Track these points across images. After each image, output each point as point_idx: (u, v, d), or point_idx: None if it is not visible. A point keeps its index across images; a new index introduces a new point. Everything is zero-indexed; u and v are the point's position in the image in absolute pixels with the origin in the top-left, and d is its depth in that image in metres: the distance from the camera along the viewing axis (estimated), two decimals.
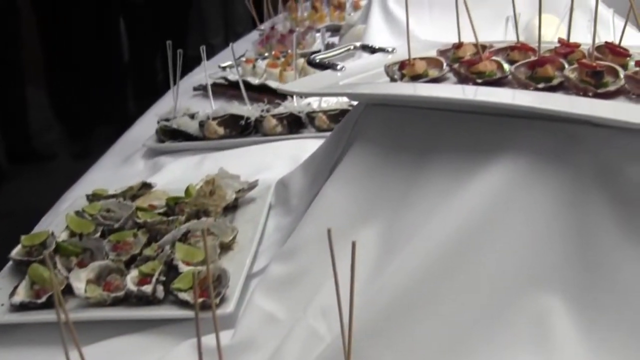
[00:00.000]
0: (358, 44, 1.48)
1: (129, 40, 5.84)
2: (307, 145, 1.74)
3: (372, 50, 1.37)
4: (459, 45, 1.26)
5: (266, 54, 2.64)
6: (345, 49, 1.42)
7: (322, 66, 1.26)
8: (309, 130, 1.85)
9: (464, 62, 1.16)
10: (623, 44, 1.15)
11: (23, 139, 5.41)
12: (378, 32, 2.57)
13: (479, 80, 1.12)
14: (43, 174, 5.31)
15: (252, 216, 1.39)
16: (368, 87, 1.16)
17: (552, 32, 2.46)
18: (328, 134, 1.76)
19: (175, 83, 2.05)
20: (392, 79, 1.18)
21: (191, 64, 6.09)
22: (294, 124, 1.86)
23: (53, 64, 5.77)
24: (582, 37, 1.43)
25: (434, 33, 2.51)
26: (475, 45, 1.22)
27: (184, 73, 2.21)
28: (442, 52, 1.27)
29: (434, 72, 1.19)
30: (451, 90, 1.11)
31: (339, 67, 1.24)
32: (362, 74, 1.23)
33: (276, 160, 1.72)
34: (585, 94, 1.03)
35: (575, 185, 0.93)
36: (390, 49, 1.34)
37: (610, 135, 0.92)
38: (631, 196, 0.90)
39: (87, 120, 5.62)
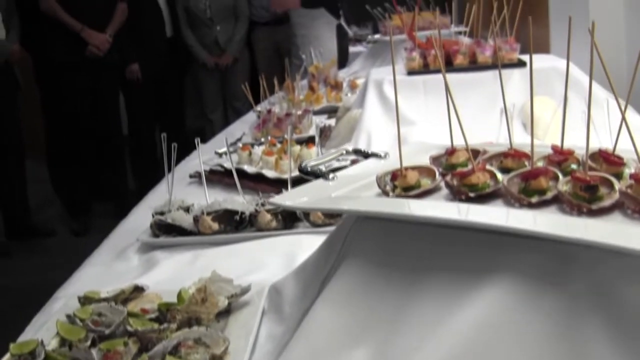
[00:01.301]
0: (350, 148, 1.48)
1: (129, 116, 5.88)
2: (302, 241, 1.73)
3: (365, 154, 1.36)
4: (451, 152, 1.25)
5: (262, 139, 2.64)
6: (338, 154, 1.41)
7: (314, 174, 1.25)
8: (304, 224, 1.84)
9: (456, 174, 1.15)
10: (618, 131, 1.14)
11: (22, 215, 5.41)
12: (374, 117, 2.59)
13: (472, 194, 1.11)
14: (41, 250, 5.31)
15: (245, 323, 1.37)
16: (359, 203, 1.15)
17: (548, 116, 2.46)
18: (323, 229, 1.76)
19: (170, 170, 2.05)
20: (384, 191, 1.17)
21: (190, 139, 6.12)
22: (289, 219, 1.84)
23: (53, 139, 5.80)
24: (579, 121, 1.42)
25: (428, 117, 2.54)
26: (467, 150, 1.21)
27: (182, 153, 2.20)
28: (434, 160, 1.27)
29: (426, 183, 1.18)
30: (443, 210, 1.10)
31: (330, 176, 1.23)
32: (354, 184, 1.22)
33: (271, 257, 1.71)
34: (579, 210, 1.02)
35: (569, 307, 0.91)
36: (382, 154, 1.33)
37: (605, 255, 0.90)
38: (627, 318, 0.89)
39: (86, 195, 5.63)
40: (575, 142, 1.50)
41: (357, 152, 1.39)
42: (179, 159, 2.15)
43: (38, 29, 5.27)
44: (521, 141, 2.10)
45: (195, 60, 5.95)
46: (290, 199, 1.22)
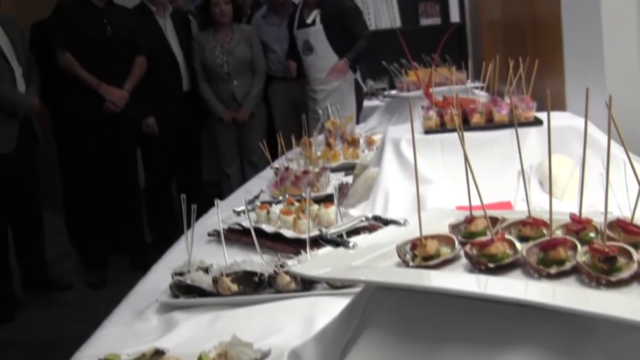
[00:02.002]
0: (370, 215, 1.50)
1: (145, 169, 5.91)
2: (320, 303, 1.75)
3: (384, 221, 1.37)
4: (470, 220, 1.27)
5: (280, 198, 2.66)
6: (357, 221, 1.43)
7: (335, 243, 1.26)
8: (322, 286, 1.85)
9: (475, 244, 1.16)
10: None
11: (39, 268, 5.44)
12: (391, 176, 2.61)
13: (491, 265, 1.12)
14: (58, 303, 5.32)
15: None
16: (380, 274, 1.16)
17: (566, 175, 2.47)
18: (342, 291, 1.77)
19: (189, 227, 2.07)
20: (404, 260, 1.18)
21: (207, 192, 6.15)
22: (308, 281, 1.85)
23: (70, 192, 5.84)
24: (597, 180, 1.43)
25: (445, 175, 2.55)
26: (486, 218, 1.23)
27: (200, 205, 2.22)
28: (453, 227, 1.28)
29: (445, 252, 1.19)
30: (462, 282, 1.11)
31: (350, 244, 1.24)
32: (374, 253, 1.23)
33: (290, 319, 1.71)
34: (598, 282, 1.03)
35: None
36: (401, 221, 1.35)
37: (624, 329, 0.91)
38: None
39: (103, 249, 5.65)
40: (594, 201, 1.51)
41: (376, 218, 1.41)
42: (197, 214, 2.16)
43: (56, 84, 5.34)
44: (539, 200, 2.13)
45: (212, 115, 5.98)
46: (312, 269, 1.24)
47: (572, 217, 1.22)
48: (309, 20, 5.20)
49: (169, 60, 5.78)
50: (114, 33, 5.28)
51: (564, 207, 2.08)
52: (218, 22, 5.88)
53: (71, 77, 5.21)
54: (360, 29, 5.13)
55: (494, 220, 1.26)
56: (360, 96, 5.38)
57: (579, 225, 1.19)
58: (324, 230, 1.30)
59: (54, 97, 5.47)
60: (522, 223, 1.25)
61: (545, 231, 1.20)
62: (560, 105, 3.62)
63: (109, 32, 5.26)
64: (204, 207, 2.90)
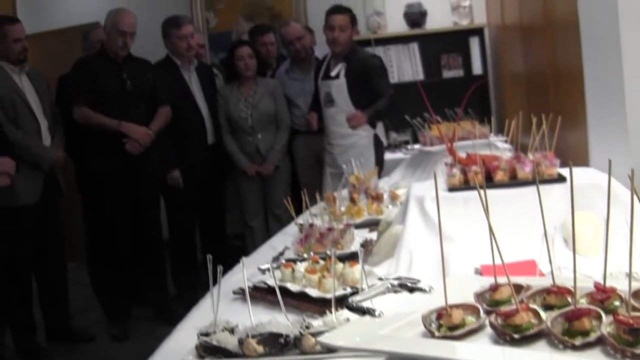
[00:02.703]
0: (396, 282, 1.51)
1: (169, 221, 5.93)
2: None
3: (410, 289, 1.39)
4: (495, 288, 1.28)
5: (305, 255, 2.67)
6: (384, 288, 1.44)
7: (361, 311, 1.28)
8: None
9: (500, 314, 1.17)
10: None
11: (62, 319, 5.46)
12: (415, 234, 2.62)
13: (516, 336, 1.12)
14: (81, 355, 5.33)
15: None
16: (408, 345, 1.17)
17: (590, 233, 2.47)
18: (366, 353, 1.77)
19: (214, 283, 2.08)
20: (430, 330, 1.19)
21: (230, 246, 6.17)
22: None
23: (94, 243, 5.88)
24: (621, 237, 1.43)
25: (469, 233, 2.56)
26: (510, 286, 1.24)
27: (224, 262, 2.23)
28: (478, 296, 1.29)
29: (471, 321, 1.20)
30: (487, 355, 1.12)
31: (377, 312, 1.25)
32: (400, 322, 1.24)
33: None
34: (623, 355, 1.03)
35: None
36: (427, 289, 1.36)
37: None
38: None
39: (126, 300, 5.67)
40: (619, 258, 1.51)
41: (402, 285, 1.42)
42: (217, 264, 2.18)
43: (78, 137, 5.39)
44: (563, 257, 2.13)
45: (236, 168, 6.02)
46: (339, 339, 1.25)
47: (597, 286, 1.22)
48: (333, 73, 5.23)
49: (194, 113, 5.83)
50: (133, 87, 5.33)
51: (589, 265, 2.09)
52: (242, 75, 5.94)
53: (90, 131, 5.26)
54: (383, 88, 5.11)
55: (519, 288, 1.27)
56: (380, 151, 5.35)
57: (603, 295, 1.20)
58: (350, 299, 1.30)
59: (77, 150, 5.52)
60: (547, 291, 1.26)
61: (569, 299, 1.21)
62: (583, 159, 3.62)
63: (129, 86, 5.31)
64: (228, 259, 2.91)
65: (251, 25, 7.57)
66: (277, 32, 6.64)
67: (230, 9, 7.99)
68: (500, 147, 4.04)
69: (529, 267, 2.14)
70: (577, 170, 2.94)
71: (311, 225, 3.03)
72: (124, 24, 5.31)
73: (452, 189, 2.70)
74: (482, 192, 1.32)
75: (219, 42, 7.87)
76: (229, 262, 3.00)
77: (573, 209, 1.28)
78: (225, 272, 2.87)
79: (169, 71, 5.77)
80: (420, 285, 1.38)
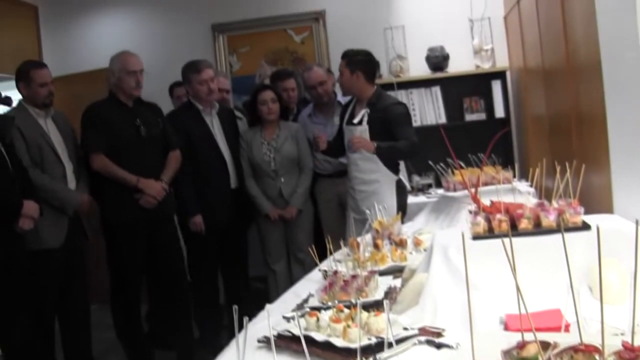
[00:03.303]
0: (423, 338, 1.51)
1: (192, 265, 5.92)
2: None
3: (437, 345, 1.39)
4: (522, 345, 1.28)
5: (329, 303, 2.68)
6: (410, 345, 1.44)
7: None
8: None
9: None
10: None
11: None
12: (440, 282, 2.61)
13: None
14: None
15: None
16: None
17: (616, 280, 2.46)
18: None
19: (239, 329, 2.09)
20: None
21: (253, 288, 6.16)
22: None
23: (117, 287, 5.90)
24: None
25: (493, 281, 2.55)
26: (537, 344, 1.24)
27: (247, 305, 2.23)
28: (505, 353, 1.29)
29: None
30: None
31: None
32: None
33: None
34: None
35: None
36: (454, 345, 1.36)
37: None
38: None
39: (149, 343, 5.66)
40: None
41: (429, 342, 1.42)
42: (244, 312, 2.18)
43: (99, 184, 5.42)
44: (589, 306, 2.12)
45: (259, 211, 6.04)
46: None
47: (625, 345, 1.22)
48: (356, 120, 5.22)
49: (217, 157, 5.85)
50: (147, 132, 5.34)
51: (615, 313, 2.08)
52: (265, 119, 5.97)
53: (107, 182, 5.28)
54: (405, 136, 5.05)
55: (546, 345, 1.27)
56: (403, 197, 5.31)
57: (631, 354, 1.19)
58: (377, 356, 1.31)
59: (100, 196, 5.55)
60: (574, 349, 1.25)
61: (597, 358, 1.21)
62: (606, 205, 3.62)
63: (143, 131, 5.31)
64: (250, 303, 2.92)
65: (274, 68, 7.66)
66: (298, 77, 6.70)
67: (253, 53, 8.07)
68: (523, 192, 4.04)
69: (555, 316, 2.13)
70: (601, 218, 2.95)
71: (335, 273, 3.04)
72: (133, 64, 5.35)
73: (476, 237, 2.70)
74: (507, 241, 1.32)
75: (242, 86, 7.95)
76: (252, 305, 3.01)
77: (600, 259, 1.28)
78: (246, 313, 2.88)
79: (191, 116, 5.81)
80: (446, 341, 1.38)
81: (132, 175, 5.22)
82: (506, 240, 1.29)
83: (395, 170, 5.24)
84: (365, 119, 5.16)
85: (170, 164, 5.47)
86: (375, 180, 5.14)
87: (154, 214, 5.30)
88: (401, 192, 5.26)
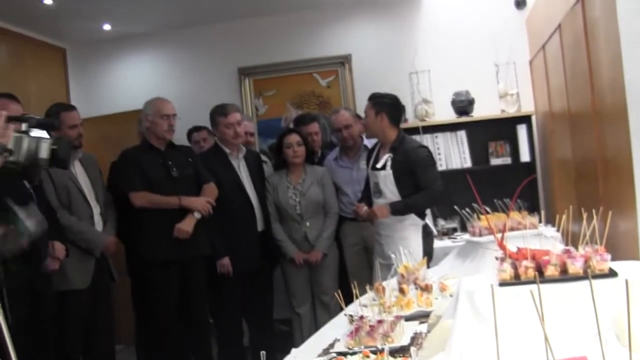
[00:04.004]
0: None
1: (213, 304, 5.91)
2: None
3: None
4: None
5: (356, 349, 2.68)
6: None
7: None
8: None
9: None
10: None
11: None
12: (466, 329, 2.60)
13: None
14: None
15: None
16: None
17: None
18: None
19: None
20: None
21: (277, 331, 6.15)
22: None
23: (142, 328, 5.93)
24: None
25: (520, 328, 2.54)
26: None
27: (271, 347, 2.24)
28: None
29: None
30: None
31: None
32: None
33: None
34: None
35: None
36: None
37: None
38: None
39: None
40: None
41: None
42: (267, 348, 2.19)
43: (130, 226, 5.50)
44: (616, 355, 2.10)
45: (284, 255, 6.05)
46: None
47: None
48: (380, 164, 5.23)
49: (243, 201, 5.90)
50: (179, 173, 5.47)
51: None
52: (291, 163, 6.02)
53: (141, 220, 5.38)
54: (427, 181, 5.05)
55: None
56: (429, 241, 5.29)
57: None
58: None
59: (128, 238, 5.61)
60: None
61: None
62: (632, 250, 3.60)
63: (175, 172, 5.45)
64: (275, 345, 2.92)
65: (300, 112, 7.71)
66: (322, 120, 6.75)
67: (279, 97, 8.14)
68: (549, 237, 4.02)
69: None
70: (628, 264, 2.93)
71: (361, 318, 3.04)
72: (166, 109, 5.52)
73: (502, 283, 2.69)
74: (534, 288, 1.33)
75: (268, 129, 8.02)
76: (276, 348, 3.01)
77: (629, 307, 1.28)
78: (270, 356, 2.89)
79: (217, 159, 5.88)
80: None
81: (174, 197, 5.37)
82: (534, 287, 1.30)
83: (421, 215, 5.23)
84: (389, 163, 5.16)
85: (207, 191, 5.59)
86: (401, 226, 5.14)
87: (188, 253, 5.38)
88: (428, 237, 5.25)
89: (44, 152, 2.71)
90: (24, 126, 2.76)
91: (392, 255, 4.09)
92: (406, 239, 5.03)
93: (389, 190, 5.16)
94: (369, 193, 5.46)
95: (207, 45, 8.20)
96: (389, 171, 5.14)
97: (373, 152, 5.49)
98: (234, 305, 5.93)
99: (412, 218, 5.15)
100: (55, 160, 2.74)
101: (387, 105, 5.31)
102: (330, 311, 5.66)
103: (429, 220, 5.48)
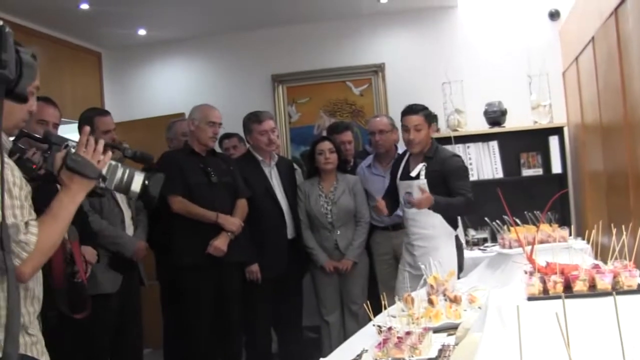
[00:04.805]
0: None
1: (246, 312, 5.94)
2: None
3: None
4: None
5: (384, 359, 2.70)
6: None
7: None
8: None
9: None
10: None
11: None
12: (494, 343, 2.61)
13: None
14: None
15: None
16: None
17: None
18: None
19: None
20: None
21: (306, 338, 6.16)
22: None
23: (171, 334, 5.97)
24: None
25: (548, 344, 2.54)
26: None
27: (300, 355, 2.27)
28: None
29: None
30: None
31: None
32: None
33: None
34: None
35: None
36: None
37: None
38: None
39: None
40: None
41: None
42: (295, 356, 2.22)
43: (163, 231, 5.55)
44: None
45: (314, 262, 6.08)
46: None
47: None
48: (413, 173, 5.20)
49: (275, 208, 5.94)
50: (218, 179, 5.54)
51: None
52: (323, 170, 6.06)
53: (178, 225, 5.42)
54: (461, 190, 5.04)
55: None
56: (460, 253, 5.25)
57: None
58: None
59: (160, 243, 5.66)
60: None
61: None
62: None
63: (214, 178, 5.51)
64: (303, 353, 2.94)
65: (332, 120, 7.74)
66: (354, 130, 6.78)
67: (312, 104, 8.19)
68: (578, 250, 4.01)
69: None
70: None
71: (389, 329, 3.06)
72: (214, 116, 5.59)
73: (531, 298, 2.70)
74: (560, 306, 1.35)
75: (300, 137, 8.07)
76: (304, 355, 3.03)
77: None
78: None
79: (250, 166, 5.93)
80: None
81: (211, 212, 5.42)
82: (560, 306, 1.32)
83: (454, 225, 5.22)
84: (423, 172, 5.15)
85: (238, 211, 5.62)
86: (434, 236, 5.11)
87: (223, 259, 5.44)
88: (459, 249, 5.22)
89: (136, 186, 2.68)
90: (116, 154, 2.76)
91: (422, 266, 4.09)
92: (439, 249, 5.01)
93: None
94: (388, 197, 5.43)
95: (241, 51, 8.27)
96: (423, 180, 5.11)
97: (401, 162, 5.48)
98: (262, 311, 5.96)
99: (446, 227, 5.13)
100: (145, 195, 2.73)
101: (432, 117, 5.34)
102: (359, 320, 5.68)
103: (459, 231, 5.47)
